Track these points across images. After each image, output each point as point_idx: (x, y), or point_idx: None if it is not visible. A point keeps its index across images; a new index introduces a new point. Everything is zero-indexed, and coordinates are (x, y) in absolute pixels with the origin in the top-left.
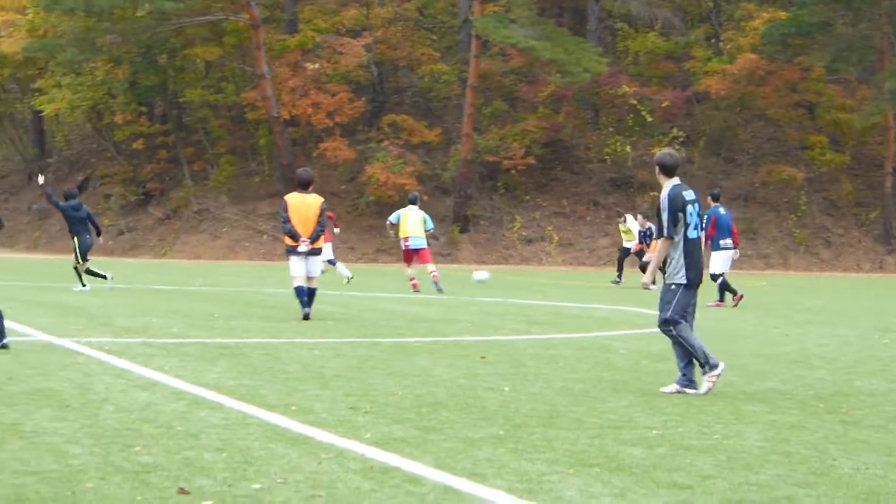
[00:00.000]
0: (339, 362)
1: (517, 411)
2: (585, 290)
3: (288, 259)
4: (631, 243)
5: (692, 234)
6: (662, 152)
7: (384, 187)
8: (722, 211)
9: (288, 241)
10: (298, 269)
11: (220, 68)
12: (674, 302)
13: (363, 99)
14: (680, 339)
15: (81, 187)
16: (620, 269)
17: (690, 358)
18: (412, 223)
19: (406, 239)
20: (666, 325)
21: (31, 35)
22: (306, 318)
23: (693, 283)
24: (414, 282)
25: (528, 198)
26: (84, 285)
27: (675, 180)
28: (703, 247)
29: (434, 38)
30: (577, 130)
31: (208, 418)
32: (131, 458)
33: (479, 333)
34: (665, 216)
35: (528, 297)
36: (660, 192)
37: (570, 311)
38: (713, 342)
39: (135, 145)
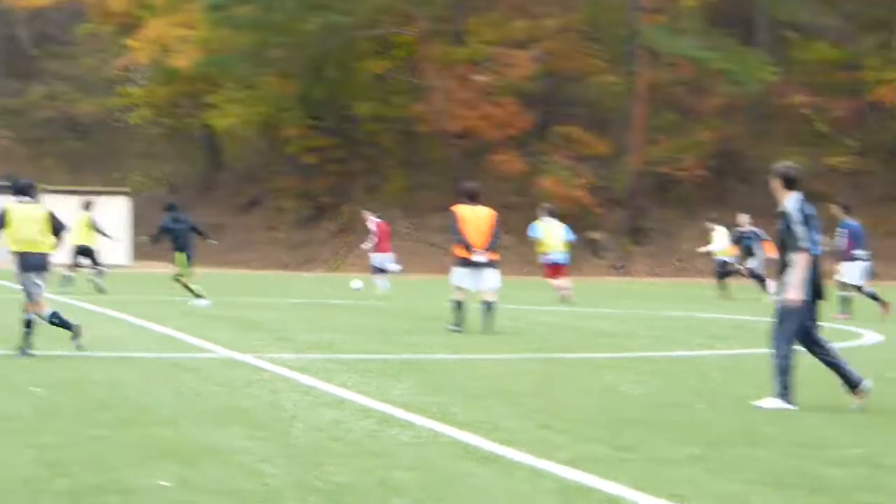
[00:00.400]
0: (523, 378)
1: (711, 429)
2: (764, 304)
3: (453, 270)
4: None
5: (816, 250)
6: (785, 164)
7: (556, 199)
8: (855, 222)
9: (460, 251)
10: (463, 282)
11: (390, 81)
12: (791, 317)
13: (532, 110)
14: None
15: (254, 202)
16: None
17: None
18: (556, 237)
19: (548, 253)
20: (779, 341)
21: (202, 50)
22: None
23: (812, 300)
24: (564, 291)
25: (701, 209)
26: (201, 297)
27: (799, 194)
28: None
29: (602, 49)
30: (749, 141)
31: (399, 436)
32: (326, 478)
33: (664, 348)
34: (799, 228)
35: (708, 311)
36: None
37: (752, 325)
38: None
39: (307, 159)
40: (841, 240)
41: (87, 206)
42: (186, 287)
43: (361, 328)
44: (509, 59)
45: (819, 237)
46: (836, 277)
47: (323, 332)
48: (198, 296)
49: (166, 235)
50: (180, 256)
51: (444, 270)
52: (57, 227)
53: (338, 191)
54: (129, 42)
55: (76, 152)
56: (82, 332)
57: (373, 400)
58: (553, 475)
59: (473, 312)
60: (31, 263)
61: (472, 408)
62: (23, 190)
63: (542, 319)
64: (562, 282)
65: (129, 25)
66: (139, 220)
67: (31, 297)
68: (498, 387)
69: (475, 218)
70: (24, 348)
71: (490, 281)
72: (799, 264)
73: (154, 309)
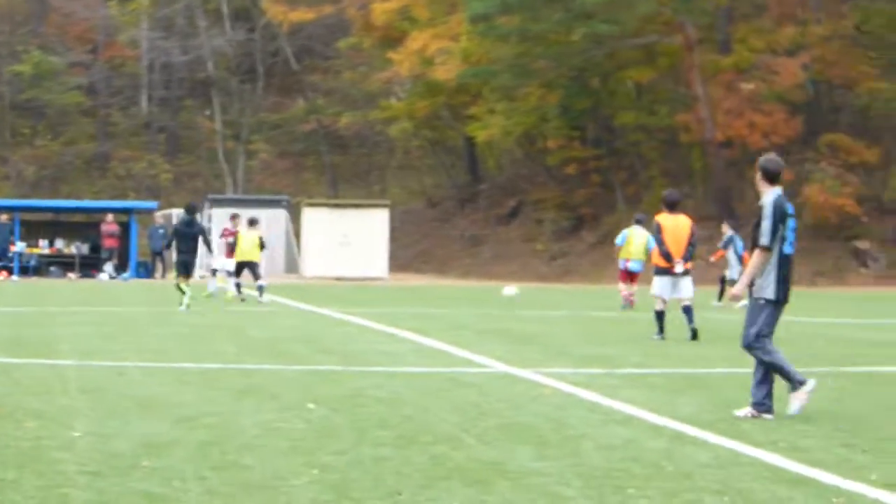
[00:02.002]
0: (814, 393)
1: None
2: None
3: (654, 280)
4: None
5: (787, 248)
6: (766, 157)
7: (823, 209)
8: None
9: (661, 261)
10: (664, 291)
11: (653, 90)
12: (760, 318)
13: (799, 118)
14: (764, 357)
15: (513, 213)
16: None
17: (770, 380)
18: (636, 245)
19: (627, 260)
20: (755, 342)
21: (464, 62)
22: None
23: (782, 300)
24: (631, 298)
25: None
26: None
27: (779, 189)
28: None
29: (873, 55)
30: None
31: (696, 456)
32: (629, 502)
33: None
34: (766, 224)
35: None
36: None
37: None
38: None
39: (567, 170)
40: None
41: (252, 223)
42: (180, 290)
43: (634, 341)
44: (776, 67)
45: (793, 236)
46: None
47: (598, 346)
48: (183, 302)
49: (175, 239)
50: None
51: (706, 282)
52: None
53: (598, 202)
54: (391, 55)
55: (336, 165)
56: None
57: (661, 417)
58: (871, 499)
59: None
60: None
61: (766, 425)
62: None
63: (816, 331)
64: (630, 288)
65: (391, 38)
66: (399, 233)
67: None
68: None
69: (675, 227)
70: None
71: (686, 290)
72: (753, 261)
73: (420, 322)
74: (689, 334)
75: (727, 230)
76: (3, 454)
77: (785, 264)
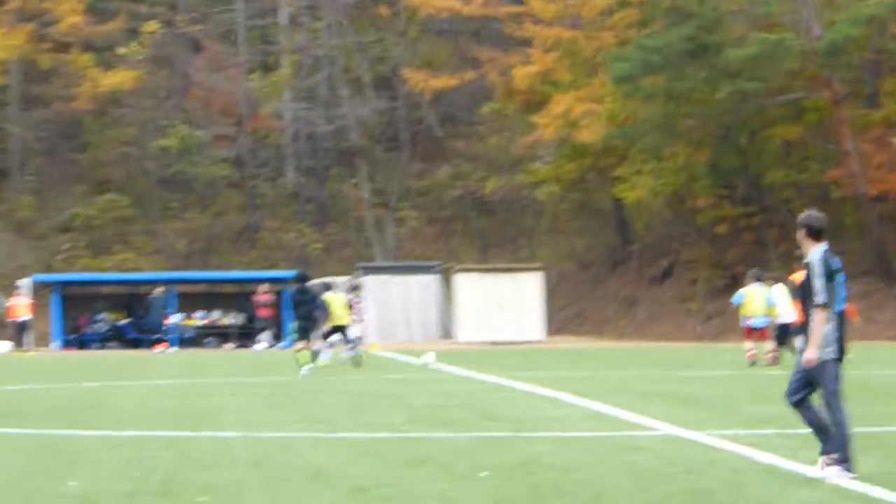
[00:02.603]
0: None
1: None
2: None
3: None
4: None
5: (839, 305)
6: (809, 213)
7: None
8: None
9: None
10: None
11: (802, 147)
12: (828, 377)
13: None
14: (824, 413)
15: (665, 273)
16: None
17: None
18: (757, 302)
19: (749, 317)
20: (830, 401)
21: (609, 123)
22: None
23: (841, 357)
24: (751, 353)
25: None
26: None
27: (825, 245)
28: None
29: None
30: None
31: None
32: None
33: None
34: (819, 281)
35: None
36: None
37: None
38: None
39: (718, 229)
40: None
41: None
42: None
43: None
44: None
45: (843, 292)
46: None
47: (766, 405)
48: (301, 365)
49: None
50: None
51: (865, 337)
52: None
53: (751, 260)
54: (534, 119)
55: (485, 230)
56: None
57: (847, 479)
58: None
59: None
60: None
61: None
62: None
63: None
64: (756, 345)
65: (534, 102)
66: (551, 295)
67: None
68: None
69: None
70: None
71: None
72: (817, 321)
73: (582, 385)
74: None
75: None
76: None
77: (841, 321)
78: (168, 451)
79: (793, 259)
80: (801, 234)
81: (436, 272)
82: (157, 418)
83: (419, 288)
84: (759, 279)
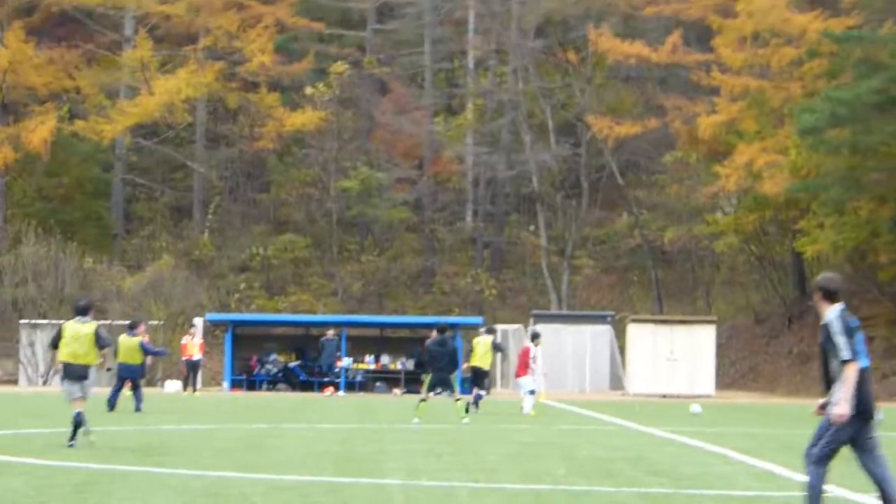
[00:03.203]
0: None
1: None
2: None
3: None
4: None
5: (863, 362)
6: (824, 276)
7: None
8: None
9: None
10: None
11: None
12: (833, 434)
13: None
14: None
15: None
16: None
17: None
18: None
19: None
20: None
21: (793, 175)
22: None
23: (862, 415)
24: None
25: None
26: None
27: (840, 305)
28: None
29: None
30: None
31: None
32: None
33: None
34: (841, 339)
35: None
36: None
37: None
38: None
39: None
40: None
41: (489, 331)
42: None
43: None
44: None
45: (864, 349)
46: None
47: None
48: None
49: (429, 358)
50: (428, 377)
51: None
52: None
53: None
54: (717, 168)
55: (661, 280)
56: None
57: None
58: None
59: None
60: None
61: None
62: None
63: None
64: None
65: (717, 152)
66: (725, 349)
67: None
68: None
69: None
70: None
71: None
72: (847, 376)
73: (751, 442)
74: None
75: None
76: None
77: (863, 378)
78: (328, 497)
79: None
80: (817, 297)
81: (609, 322)
82: (321, 463)
83: (591, 337)
84: None
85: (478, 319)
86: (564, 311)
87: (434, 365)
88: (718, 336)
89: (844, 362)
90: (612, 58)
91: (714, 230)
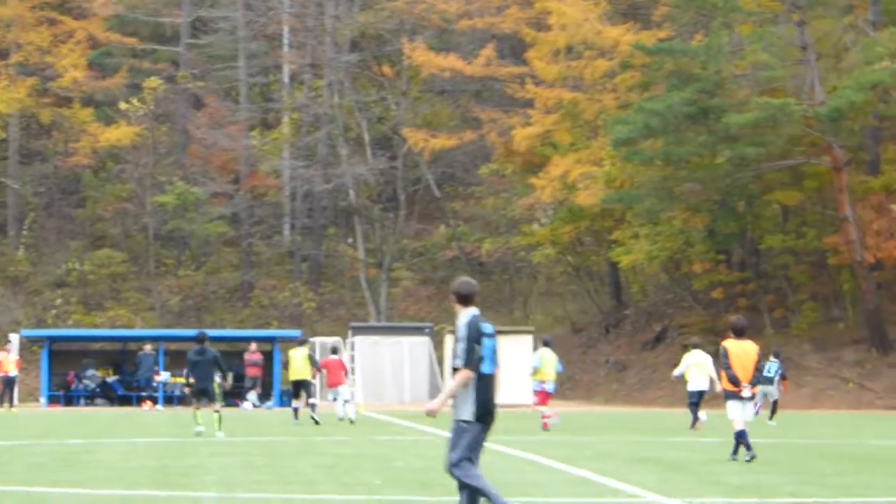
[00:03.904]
0: None
1: None
2: None
3: (728, 404)
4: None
5: (486, 368)
6: (460, 280)
7: None
8: None
9: (729, 386)
10: (738, 413)
11: (801, 213)
12: (462, 442)
13: None
14: (466, 482)
15: (658, 338)
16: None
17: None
18: (549, 367)
19: (543, 382)
20: (455, 467)
21: (608, 186)
22: (752, 458)
23: (482, 420)
24: (547, 421)
25: None
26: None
27: (474, 310)
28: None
29: None
30: None
31: None
32: None
33: None
34: (462, 346)
35: None
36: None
37: None
38: None
39: (713, 294)
40: None
41: (302, 342)
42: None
43: (786, 468)
44: None
45: (492, 355)
46: None
47: (752, 474)
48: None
49: (189, 368)
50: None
51: (859, 406)
52: None
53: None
54: (533, 180)
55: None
56: None
57: None
58: None
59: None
60: None
61: None
62: None
63: None
64: (547, 409)
65: (533, 164)
66: None
67: None
68: None
69: (742, 353)
70: None
71: (748, 413)
72: (460, 380)
73: (567, 450)
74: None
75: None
76: None
77: (485, 385)
78: None
79: (787, 326)
80: (452, 301)
81: (427, 333)
82: (136, 477)
83: (410, 348)
84: (547, 344)
85: (296, 332)
86: (383, 323)
87: (195, 374)
88: (535, 346)
89: (455, 368)
90: (427, 71)
91: (531, 241)
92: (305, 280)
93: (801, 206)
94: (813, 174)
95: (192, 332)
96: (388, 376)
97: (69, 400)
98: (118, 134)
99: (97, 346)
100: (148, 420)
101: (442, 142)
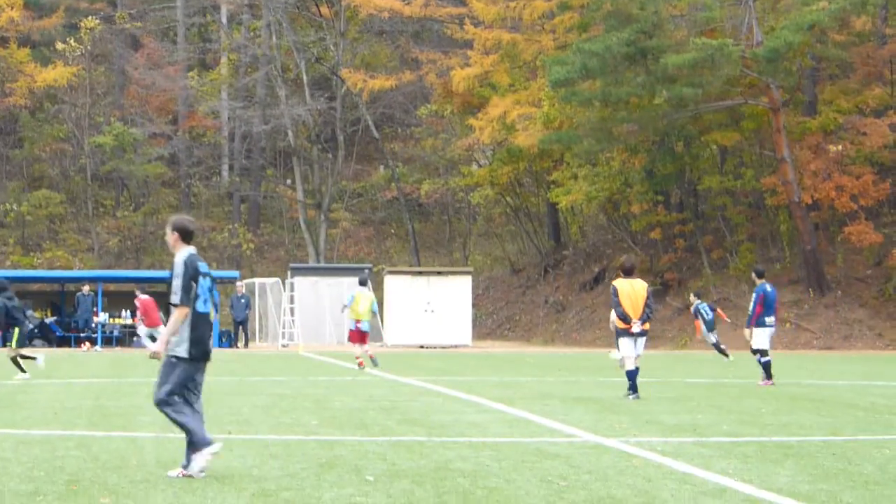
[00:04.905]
0: None
1: None
2: None
3: (619, 341)
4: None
5: (201, 306)
6: (181, 217)
7: None
8: (769, 288)
9: (620, 324)
10: (629, 350)
11: (738, 154)
12: (173, 377)
13: (888, 181)
14: (174, 418)
15: (597, 279)
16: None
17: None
18: (364, 306)
19: (358, 321)
20: (163, 402)
21: (546, 127)
22: (636, 397)
23: (196, 357)
24: (362, 361)
25: None
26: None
27: (192, 248)
28: (212, 322)
29: None
30: None
31: None
32: None
33: None
34: (179, 282)
35: None
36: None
37: None
38: None
39: (652, 235)
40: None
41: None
42: (17, 364)
43: (727, 409)
44: (864, 128)
45: (208, 294)
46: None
47: (687, 413)
48: (23, 370)
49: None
50: (17, 332)
51: (795, 346)
52: None
53: (683, 266)
54: (471, 121)
55: (418, 233)
56: None
57: (756, 488)
58: None
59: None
60: None
61: (868, 497)
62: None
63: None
64: (362, 349)
65: (471, 105)
66: (482, 300)
67: None
68: (892, 474)
69: (631, 291)
70: None
71: (639, 349)
72: (175, 318)
73: (506, 391)
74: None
75: (693, 300)
76: None
77: (199, 322)
78: (78, 451)
79: (725, 266)
80: (174, 237)
81: (366, 274)
82: (72, 418)
83: (349, 290)
84: (363, 283)
85: (235, 273)
86: (322, 264)
87: None
88: (475, 287)
89: (174, 305)
90: (366, 11)
91: (470, 182)
92: (245, 221)
93: (739, 146)
94: (750, 115)
95: (131, 274)
96: (327, 317)
97: (6, 341)
98: (55, 74)
99: (35, 286)
100: (86, 361)
101: (380, 83)
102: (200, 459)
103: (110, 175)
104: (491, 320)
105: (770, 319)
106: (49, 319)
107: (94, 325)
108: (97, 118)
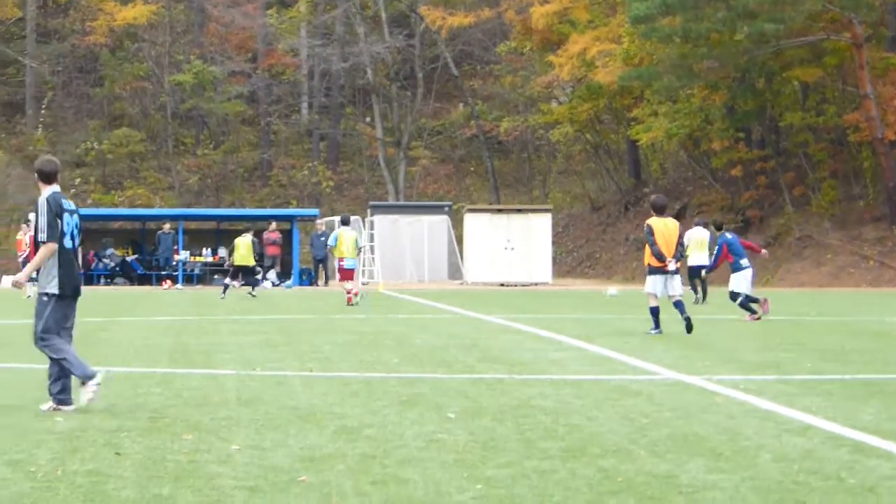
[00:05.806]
0: None
1: None
2: None
3: (648, 279)
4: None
5: (68, 243)
6: (41, 159)
7: None
8: (729, 236)
9: (654, 262)
10: (656, 288)
11: (820, 90)
12: (46, 314)
13: None
14: (52, 356)
15: (678, 216)
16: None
17: (63, 374)
18: (347, 244)
19: (341, 259)
20: (40, 339)
21: (626, 64)
22: (658, 332)
23: (68, 294)
24: (351, 296)
25: None
26: None
27: (55, 188)
28: (79, 259)
29: None
30: None
31: (879, 469)
32: None
33: None
34: (43, 220)
35: None
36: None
37: None
38: None
39: (732, 172)
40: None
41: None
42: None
43: (812, 346)
44: None
45: (76, 231)
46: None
47: (770, 351)
48: None
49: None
50: None
51: (879, 283)
52: None
53: (765, 203)
54: (551, 58)
55: (497, 171)
56: None
57: (840, 426)
58: None
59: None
60: None
61: None
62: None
63: None
64: (351, 285)
65: (551, 42)
66: (562, 237)
67: None
68: None
69: (665, 229)
70: None
71: (676, 287)
72: (42, 254)
73: (586, 328)
74: (684, 325)
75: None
76: (159, 468)
77: (67, 259)
78: (160, 389)
79: (807, 203)
80: (36, 178)
81: (446, 212)
82: (154, 355)
83: (429, 227)
84: (346, 223)
85: (314, 211)
86: (401, 202)
87: None
88: (555, 224)
89: (42, 243)
90: None
91: (549, 120)
92: (324, 159)
93: (821, 82)
94: (833, 50)
95: (211, 212)
96: (406, 255)
97: (88, 279)
98: (135, 13)
99: (116, 225)
100: (167, 299)
101: (459, 20)
102: (87, 392)
103: (190, 113)
104: (571, 258)
105: (744, 261)
106: (130, 258)
107: (174, 263)
108: (177, 56)
